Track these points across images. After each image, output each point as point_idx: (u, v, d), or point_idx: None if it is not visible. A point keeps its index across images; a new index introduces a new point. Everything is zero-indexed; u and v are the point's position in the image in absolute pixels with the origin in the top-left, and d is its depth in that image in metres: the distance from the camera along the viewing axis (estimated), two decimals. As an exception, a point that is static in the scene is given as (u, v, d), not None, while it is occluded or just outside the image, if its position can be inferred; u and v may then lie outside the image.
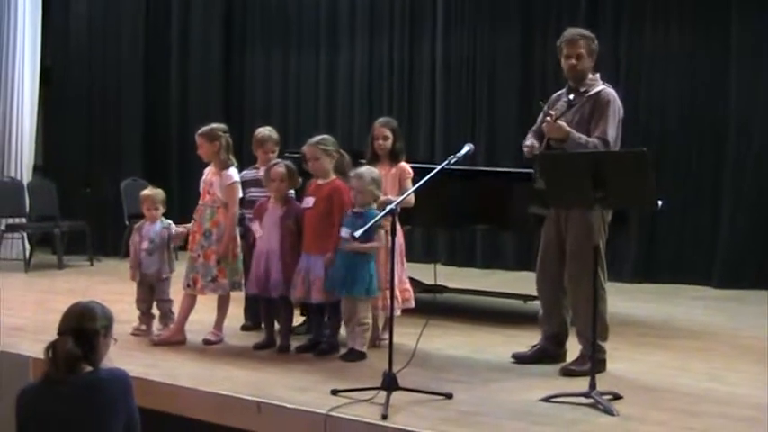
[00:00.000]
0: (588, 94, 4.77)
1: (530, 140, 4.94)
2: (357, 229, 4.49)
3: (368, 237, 4.79)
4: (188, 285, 5.41)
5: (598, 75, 4.89)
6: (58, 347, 3.02)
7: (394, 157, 5.42)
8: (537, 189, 4.81)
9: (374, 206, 5.00)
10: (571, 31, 4.89)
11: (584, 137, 4.64)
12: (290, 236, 5.25)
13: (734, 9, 8.13)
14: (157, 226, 5.68)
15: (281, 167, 5.32)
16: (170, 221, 5.74)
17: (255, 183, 5.71)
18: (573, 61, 4.79)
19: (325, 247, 5.08)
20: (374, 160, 5.42)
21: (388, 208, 4.39)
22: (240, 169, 5.65)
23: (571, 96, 4.75)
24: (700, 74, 8.38)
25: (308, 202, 5.22)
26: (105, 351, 3.13)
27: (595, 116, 4.70)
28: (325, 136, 5.33)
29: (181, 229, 5.62)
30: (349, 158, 5.37)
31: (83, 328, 3.05)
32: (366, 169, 5.10)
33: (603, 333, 4.70)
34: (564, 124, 4.66)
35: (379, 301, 5.15)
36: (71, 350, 3.00)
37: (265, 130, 5.95)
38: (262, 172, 5.62)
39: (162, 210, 5.72)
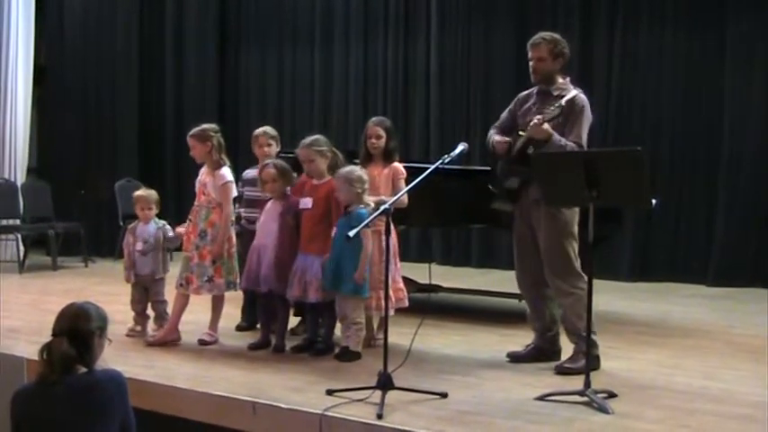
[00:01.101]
0: (562, 99, 4.84)
1: (498, 136, 5.03)
2: (345, 229, 4.50)
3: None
4: (181, 285, 5.40)
5: (568, 78, 5.02)
6: (53, 348, 3.01)
7: (387, 157, 5.40)
8: (506, 187, 4.97)
9: (363, 206, 4.96)
10: (537, 35, 5.02)
11: (563, 139, 4.78)
12: (288, 231, 5.24)
13: (728, 10, 8.14)
14: (151, 227, 5.67)
15: (271, 168, 5.32)
16: (164, 222, 5.74)
17: (254, 182, 5.69)
18: (533, 63, 4.97)
19: (322, 247, 5.08)
20: (368, 160, 5.42)
21: (382, 208, 4.38)
22: (234, 169, 5.64)
23: (562, 102, 4.80)
24: (694, 75, 8.39)
25: (307, 203, 5.20)
26: (100, 352, 3.12)
27: (570, 121, 4.84)
28: (318, 136, 5.32)
29: (180, 230, 5.58)
30: (342, 157, 5.37)
31: (77, 329, 3.04)
32: (345, 169, 5.07)
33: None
34: (548, 126, 4.77)
35: (373, 302, 5.16)
36: (66, 351, 2.99)
37: (261, 128, 5.95)
38: (259, 171, 5.62)
39: (155, 210, 5.71)
